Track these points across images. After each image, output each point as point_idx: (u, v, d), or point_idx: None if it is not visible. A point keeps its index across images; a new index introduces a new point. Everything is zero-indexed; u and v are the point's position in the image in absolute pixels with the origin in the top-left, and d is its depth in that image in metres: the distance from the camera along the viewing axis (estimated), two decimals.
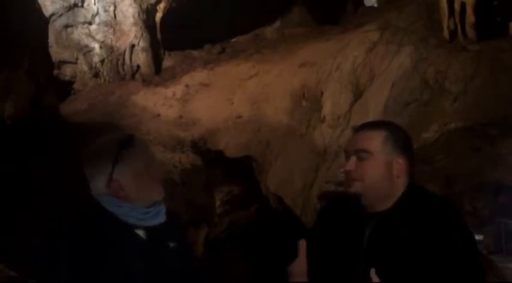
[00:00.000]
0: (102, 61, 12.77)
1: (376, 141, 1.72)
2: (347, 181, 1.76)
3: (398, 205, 1.72)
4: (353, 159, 1.74)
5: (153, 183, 1.74)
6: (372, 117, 9.50)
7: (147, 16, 12.91)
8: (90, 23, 12.78)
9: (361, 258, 1.68)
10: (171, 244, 1.74)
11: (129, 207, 1.69)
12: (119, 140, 1.73)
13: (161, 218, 1.74)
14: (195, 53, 13.38)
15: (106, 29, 12.78)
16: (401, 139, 1.75)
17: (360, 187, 1.72)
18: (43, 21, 10.71)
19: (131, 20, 12.75)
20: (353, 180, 1.73)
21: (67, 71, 12.73)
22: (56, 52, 12.01)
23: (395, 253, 1.65)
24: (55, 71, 11.82)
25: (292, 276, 1.69)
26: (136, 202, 1.70)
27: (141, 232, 1.71)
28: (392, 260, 1.65)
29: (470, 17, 10.56)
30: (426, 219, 1.67)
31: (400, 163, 1.72)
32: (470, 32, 10.56)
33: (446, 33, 10.66)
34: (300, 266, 1.68)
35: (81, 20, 12.74)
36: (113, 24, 12.79)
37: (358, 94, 10.67)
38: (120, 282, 1.64)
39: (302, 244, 1.69)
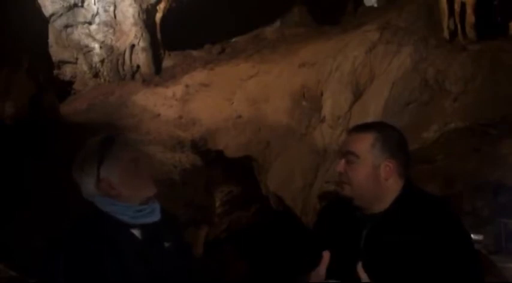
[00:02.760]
0: (102, 61, 12.77)
1: (364, 144, 1.73)
2: (339, 183, 1.78)
3: (395, 205, 1.72)
4: (342, 161, 1.75)
5: (143, 178, 1.75)
6: (372, 117, 9.51)
7: (147, 16, 12.91)
8: (90, 23, 12.78)
9: (359, 258, 1.69)
10: (167, 243, 1.75)
11: (122, 206, 1.70)
12: (100, 140, 1.75)
13: (156, 216, 1.75)
14: (195, 53, 13.38)
15: (106, 29, 12.78)
16: (392, 141, 1.75)
17: (349, 191, 1.74)
18: (43, 21, 10.72)
19: (131, 20, 12.75)
20: (343, 183, 1.75)
21: (67, 71, 12.73)
22: (56, 52, 12.01)
23: (392, 254, 1.65)
24: (55, 71, 11.82)
25: None
26: (129, 199, 1.71)
27: (136, 231, 1.71)
28: (389, 260, 1.65)
29: (470, 17, 10.57)
30: (423, 220, 1.68)
31: (388, 166, 1.72)
32: (470, 32, 10.56)
33: (446, 33, 10.67)
34: (318, 278, 1.67)
35: (81, 20, 12.75)
36: (113, 24, 12.79)
37: (358, 94, 10.67)
38: (117, 282, 1.64)
39: (326, 255, 1.68)
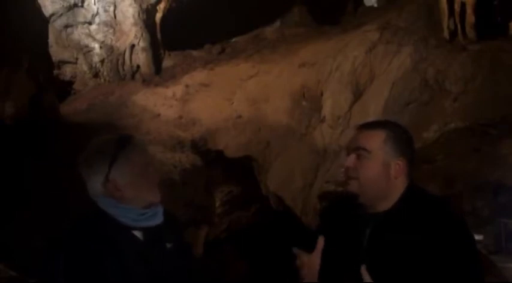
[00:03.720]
0: (102, 61, 12.77)
1: (376, 141, 1.73)
2: (345, 179, 1.76)
3: (399, 205, 1.72)
4: (352, 156, 1.74)
5: (150, 184, 1.73)
6: (372, 117, 9.50)
7: (147, 16, 12.91)
8: (90, 23, 12.78)
9: (362, 257, 1.68)
10: (168, 245, 1.75)
11: (125, 208, 1.69)
12: (116, 140, 1.73)
13: (158, 219, 1.74)
14: (195, 53, 13.38)
15: (106, 29, 12.78)
16: (402, 140, 1.75)
17: (356, 187, 1.73)
18: (43, 21, 10.72)
19: (131, 20, 12.75)
20: (350, 179, 1.74)
21: (67, 71, 12.73)
22: (56, 52, 12.01)
23: (395, 253, 1.65)
24: (55, 71, 11.81)
25: (303, 275, 1.68)
26: (132, 203, 1.70)
27: (138, 233, 1.71)
28: (392, 260, 1.65)
29: (470, 17, 10.56)
30: (426, 219, 1.68)
31: (399, 164, 1.73)
32: (470, 32, 10.56)
33: (446, 33, 10.66)
34: (312, 264, 1.67)
35: (81, 20, 12.75)
36: (113, 24, 12.79)
37: (358, 94, 10.66)
38: (118, 282, 1.64)
39: (320, 241, 1.68)
